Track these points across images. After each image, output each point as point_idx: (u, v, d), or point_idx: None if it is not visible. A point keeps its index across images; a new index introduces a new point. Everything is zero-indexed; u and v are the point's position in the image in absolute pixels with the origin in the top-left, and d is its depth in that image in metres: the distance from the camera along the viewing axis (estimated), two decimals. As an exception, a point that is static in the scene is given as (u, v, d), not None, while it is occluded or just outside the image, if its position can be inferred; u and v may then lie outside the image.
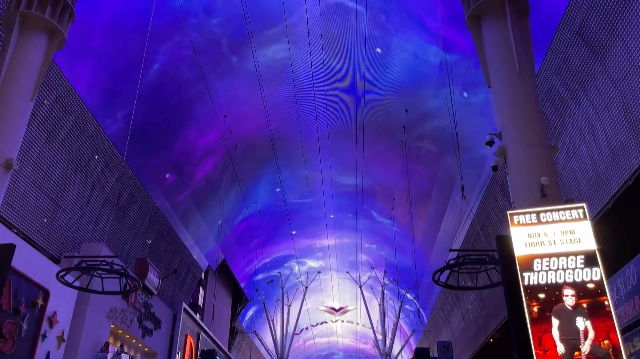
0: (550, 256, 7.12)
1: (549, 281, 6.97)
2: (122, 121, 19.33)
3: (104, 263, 11.40)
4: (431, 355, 20.53)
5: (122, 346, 19.17)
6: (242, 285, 38.29)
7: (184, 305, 25.71)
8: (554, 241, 7.21)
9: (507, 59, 8.99)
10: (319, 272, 41.66)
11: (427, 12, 17.48)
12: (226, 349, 36.20)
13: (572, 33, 13.15)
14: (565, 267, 6.98)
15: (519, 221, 7.51)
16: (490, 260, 9.94)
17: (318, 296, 44.45)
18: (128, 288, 12.72)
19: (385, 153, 25.64)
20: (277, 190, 28.71)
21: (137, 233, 22.40)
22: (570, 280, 6.90)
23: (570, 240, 7.15)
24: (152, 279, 21.41)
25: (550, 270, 6.99)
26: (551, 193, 7.73)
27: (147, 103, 20.04)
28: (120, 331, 19.87)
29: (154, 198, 22.91)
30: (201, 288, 31.99)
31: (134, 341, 21.13)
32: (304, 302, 40.68)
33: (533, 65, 9.40)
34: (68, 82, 15.85)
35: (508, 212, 7.63)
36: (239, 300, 40.29)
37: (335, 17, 19.78)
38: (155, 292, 21.92)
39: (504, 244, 7.51)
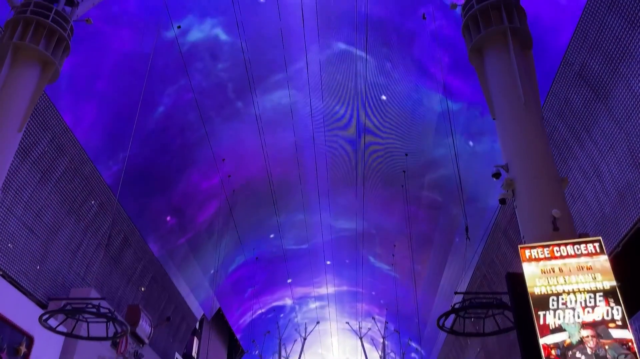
0: (567, 293, 6.63)
1: (566, 321, 6.45)
2: (122, 164, 19.14)
3: (90, 305, 10.81)
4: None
5: (108, 398, 18.19)
6: (237, 336, 37.08)
7: (177, 356, 24.68)
8: (570, 278, 6.74)
9: (511, 90, 8.80)
10: (317, 323, 40.44)
11: (432, 60, 17.54)
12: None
13: (573, 75, 13.07)
14: (584, 305, 6.48)
15: (530, 256, 7.06)
16: (499, 304, 9.41)
17: (317, 348, 43.01)
18: (116, 333, 12.02)
19: (385, 199, 25.32)
20: (271, 236, 28.18)
21: (130, 279, 21.74)
22: (590, 320, 6.39)
23: (590, 277, 6.67)
24: (144, 327, 20.59)
25: (567, 308, 6.49)
26: (564, 227, 7.33)
27: (147, 146, 19.89)
28: (108, 382, 18.92)
29: (149, 243, 22.38)
30: (195, 338, 30.88)
31: (122, 393, 20.11)
32: (302, 354, 39.29)
33: (538, 96, 9.21)
34: (64, 122, 15.68)
35: (519, 246, 7.19)
36: (235, 351, 38.95)
37: (340, 64, 19.90)
38: (146, 341, 21.03)
39: (515, 282, 7.05)
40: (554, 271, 6.87)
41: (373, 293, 34.76)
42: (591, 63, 12.45)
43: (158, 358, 23.46)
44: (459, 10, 11.67)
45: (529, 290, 6.81)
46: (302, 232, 28.45)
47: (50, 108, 15.03)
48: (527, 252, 7.13)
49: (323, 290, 34.54)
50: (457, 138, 17.41)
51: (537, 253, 7.07)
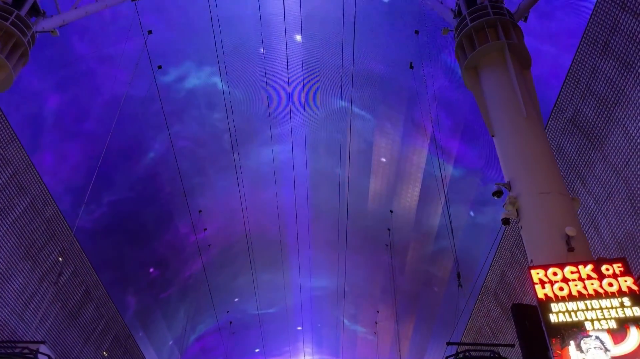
0: (591, 321, 5.55)
1: (593, 356, 5.32)
2: (90, 211, 17.98)
3: (26, 350, 9.32)
4: None
5: None
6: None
7: None
8: (592, 303, 5.69)
9: (511, 105, 8.13)
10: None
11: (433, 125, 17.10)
12: None
13: (565, 122, 12.58)
14: (612, 334, 5.37)
15: (542, 279, 6.03)
16: (495, 356, 8.23)
17: None
18: None
19: (368, 261, 24.17)
20: (236, 299, 26.53)
21: (89, 337, 19.87)
22: (621, 353, 5.28)
23: (617, 302, 5.61)
24: (99, 392, 18.58)
25: (592, 339, 5.39)
26: (579, 247, 6.36)
27: (123, 193, 18.86)
28: None
29: (113, 299, 20.72)
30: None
31: None
32: None
33: (540, 112, 8.53)
34: (28, 158, 14.68)
35: (529, 266, 6.17)
36: None
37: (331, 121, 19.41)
38: (101, 408, 18.92)
39: (523, 314, 5.97)
40: (572, 296, 5.83)
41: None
42: (584, 109, 11.97)
43: None
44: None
45: (544, 318, 5.72)
46: (279, 295, 26.91)
47: (13, 142, 14.08)
48: (539, 274, 6.11)
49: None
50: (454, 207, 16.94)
51: (551, 274, 6.05)
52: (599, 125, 11.64)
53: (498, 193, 7.63)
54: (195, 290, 24.08)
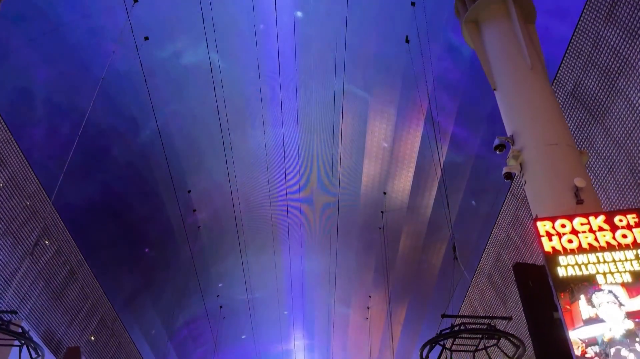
0: (603, 274, 5.14)
1: (606, 310, 4.91)
2: (76, 189, 17.45)
3: (-4, 320, 8.81)
4: None
5: None
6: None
7: (122, 411, 21.92)
8: (604, 255, 5.27)
9: (515, 56, 7.71)
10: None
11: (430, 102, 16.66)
12: None
13: (566, 96, 12.15)
14: (627, 289, 4.96)
15: (549, 231, 5.61)
16: (493, 330, 7.83)
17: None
18: None
19: (361, 244, 23.78)
20: (222, 284, 26.03)
21: (74, 318, 19.38)
22: (637, 308, 4.87)
23: (632, 254, 5.18)
24: (84, 374, 18.14)
25: (604, 293, 4.98)
26: (589, 199, 5.94)
27: (110, 172, 18.32)
28: None
29: (99, 280, 20.21)
30: (148, 395, 27.80)
31: None
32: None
33: (544, 64, 8.08)
34: (7, 130, 14.10)
35: (534, 219, 5.76)
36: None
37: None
38: (85, 390, 18.49)
39: (527, 273, 5.54)
40: (582, 248, 5.42)
41: (346, 351, 32.36)
42: (586, 82, 11.55)
43: (99, 412, 20.70)
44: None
45: (552, 272, 5.30)
46: (270, 279, 26.49)
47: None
48: (545, 226, 5.68)
49: (290, 345, 32.01)
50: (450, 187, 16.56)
51: (559, 227, 5.63)
52: (601, 97, 11.23)
53: (500, 147, 7.18)
54: (184, 273, 23.63)
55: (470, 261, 16.63)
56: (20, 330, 9.06)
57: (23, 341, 9.01)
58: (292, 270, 26.28)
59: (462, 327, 8.05)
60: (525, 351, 8.21)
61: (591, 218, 5.73)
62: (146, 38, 15.76)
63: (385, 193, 20.80)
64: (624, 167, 10.88)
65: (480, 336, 8.29)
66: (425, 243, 20.92)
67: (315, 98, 19.17)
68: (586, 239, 5.57)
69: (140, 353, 24.73)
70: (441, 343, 8.54)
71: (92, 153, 17.77)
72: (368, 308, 27.50)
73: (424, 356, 8.54)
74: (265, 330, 29.89)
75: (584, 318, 4.98)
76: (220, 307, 27.63)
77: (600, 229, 5.59)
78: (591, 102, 11.53)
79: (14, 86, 14.96)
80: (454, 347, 8.66)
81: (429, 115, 15.79)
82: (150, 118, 17.95)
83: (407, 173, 19.38)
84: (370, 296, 26.93)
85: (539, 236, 5.65)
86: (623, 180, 10.93)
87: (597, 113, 11.47)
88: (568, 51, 11.76)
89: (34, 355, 9.49)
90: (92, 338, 21.10)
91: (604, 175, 11.54)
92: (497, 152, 7.22)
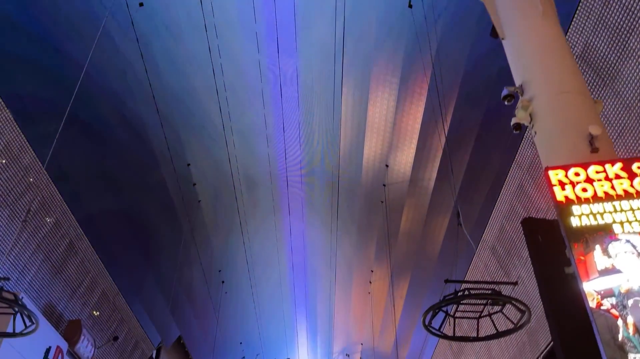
0: (620, 223, 4.84)
1: (623, 259, 4.63)
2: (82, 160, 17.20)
3: (-12, 288, 8.60)
4: None
5: None
6: (200, 370, 34.11)
7: (125, 385, 22.00)
8: (622, 204, 4.96)
9: (525, 2, 7.26)
10: (288, 358, 37.74)
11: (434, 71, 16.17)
12: None
13: (575, 58, 11.70)
14: None
15: (562, 180, 5.30)
16: (497, 295, 7.60)
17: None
18: (25, 328, 9.61)
19: (362, 218, 23.53)
20: (220, 264, 25.84)
21: (75, 292, 19.29)
22: None
23: None
24: (86, 346, 18.11)
25: (622, 242, 4.68)
26: (604, 148, 5.62)
27: (107, 144, 18.02)
28: (35, 409, 16.24)
29: (99, 254, 20.06)
30: (152, 369, 27.96)
31: None
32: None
33: (555, 10, 7.68)
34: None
35: (545, 168, 5.44)
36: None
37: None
38: (87, 363, 18.49)
39: (536, 227, 5.26)
40: (597, 197, 5.11)
41: (348, 326, 32.43)
42: (596, 42, 11.10)
43: (102, 386, 20.76)
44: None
45: (564, 222, 5.00)
46: (271, 254, 26.36)
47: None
48: (558, 175, 5.36)
49: (292, 320, 32.07)
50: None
51: (572, 175, 5.32)
52: (611, 58, 10.80)
53: (509, 97, 6.82)
54: (185, 248, 23.46)
55: (474, 233, 16.34)
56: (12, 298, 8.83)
57: (16, 309, 8.81)
58: (294, 245, 26.14)
59: (466, 293, 7.81)
60: (530, 317, 8.00)
61: (607, 166, 5.38)
62: (141, 4, 15.31)
63: (387, 165, 20.47)
64: (634, 131, 10.52)
65: (484, 303, 8.06)
66: (428, 215, 20.66)
67: (316, 69, 18.73)
68: (602, 187, 5.25)
69: (143, 327, 24.76)
70: (444, 309, 8.31)
71: (85, 121, 17.43)
72: (370, 282, 27.42)
73: (426, 323, 8.32)
74: (267, 305, 29.90)
75: (599, 269, 4.70)
76: (222, 282, 27.59)
77: (617, 177, 5.26)
78: (601, 64, 11.10)
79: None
80: (457, 314, 8.44)
81: (432, 83, 15.37)
82: (145, 88, 17.58)
83: (410, 145, 19.02)
84: (372, 271, 26.81)
85: (551, 185, 5.33)
86: (633, 145, 10.59)
87: (607, 76, 11.05)
88: (577, 11, 11.30)
89: (27, 323, 9.31)
90: (96, 313, 21.07)
91: (613, 138, 11.17)
92: (506, 103, 6.85)
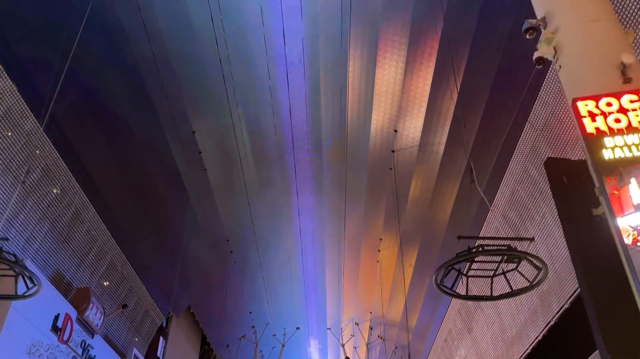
0: None
1: None
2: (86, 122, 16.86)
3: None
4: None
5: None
6: (209, 339, 34.42)
7: (136, 352, 22.10)
8: None
9: None
10: (297, 328, 37.88)
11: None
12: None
13: None
14: None
15: (592, 111, 4.90)
16: (513, 250, 7.26)
17: (298, 355, 40.34)
18: (26, 290, 9.44)
19: (371, 186, 23.17)
20: (228, 233, 25.48)
21: (82, 261, 19.25)
22: None
23: None
24: (95, 314, 18.12)
25: None
26: (637, 79, 5.16)
27: (108, 106, 17.59)
28: (46, 376, 16.34)
29: (106, 223, 19.93)
30: (161, 338, 28.18)
31: (65, 389, 17.49)
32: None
33: None
34: (-2, 62, 13.42)
35: (573, 99, 5.04)
36: (207, 356, 36.24)
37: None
38: (96, 331, 18.52)
39: (562, 167, 4.88)
40: (632, 128, 4.71)
41: (357, 294, 32.41)
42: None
43: (113, 353, 20.85)
44: None
45: (595, 155, 4.61)
46: (279, 221, 26.12)
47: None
48: (587, 105, 4.94)
49: (301, 289, 32.08)
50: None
51: (604, 105, 4.91)
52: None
53: (530, 30, 6.33)
54: (192, 217, 23.28)
55: (487, 193, 15.76)
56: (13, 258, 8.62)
57: (17, 271, 8.62)
58: (301, 213, 25.89)
59: (480, 249, 7.47)
60: (547, 275, 7.67)
61: (645, 95, 4.93)
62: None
63: (396, 131, 20.00)
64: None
65: (499, 260, 7.73)
66: (438, 181, 20.25)
67: (323, 31, 18.15)
68: (637, 117, 4.84)
69: (152, 296, 24.84)
70: (457, 268, 7.99)
71: (90, 95, 17.10)
72: (379, 250, 27.23)
73: (438, 282, 8.02)
74: (276, 274, 29.86)
75: (634, 203, 4.34)
76: (231, 252, 27.49)
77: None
78: None
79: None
80: (470, 272, 8.12)
81: (444, 41, 14.81)
82: (147, 54, 17.11)
83: (420, 109, 18.51)
84: (381, 239, 26.59)
85: (580, 117, 4.91)
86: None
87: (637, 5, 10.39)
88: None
89: (29, 285, 9.13)
90: (106, 283, 21.07)
91: None
92: (527, 37, 6.35)
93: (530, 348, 16.67)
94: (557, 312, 14.43)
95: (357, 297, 32.59)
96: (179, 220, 22.90)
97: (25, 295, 9.11)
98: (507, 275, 8.01)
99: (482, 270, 8.17)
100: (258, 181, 23.33)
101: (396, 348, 34.19)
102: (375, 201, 24.01)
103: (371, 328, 35.10)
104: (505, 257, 7.48)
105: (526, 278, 7.78)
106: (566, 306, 13.98)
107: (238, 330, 34.48)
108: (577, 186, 4.75)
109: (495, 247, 7.55)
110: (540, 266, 7.30)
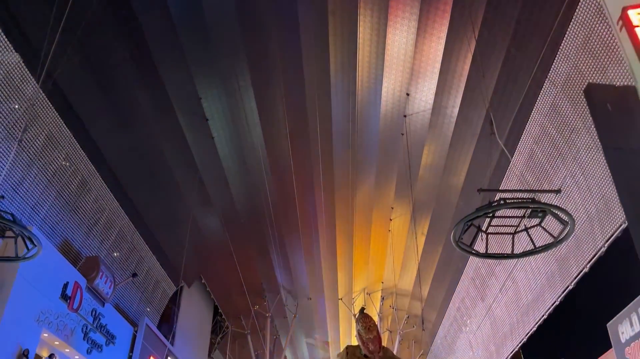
0: None
1: None
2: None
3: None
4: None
5: (51, 357, 15.50)
6: (221, 310, 34.52)
7: (147, 321, 22.07)
8: None
9: None
10: (309, 298, 37.88)
11: None
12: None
13: None
14: None
15: None
16: (538, 203, 6.75)
17: (309, 325, 40.45)
18: (27, 252, 9.12)
19: (382, 153, 22.62)
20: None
21: (91, 230, 19.06)
22: None
23: None
24: (104, 283, 18.00)
25: None
26: None
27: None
28: (57, 343, 16.28)
29: (114, 192, 19.67)
30: (174, 307, 28.20)
31: (77, 357, 17.45)
32: (292, 331, 36.88)
33: None
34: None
35: (622, 7, 4.51)
36: (220, 327, 36.45)
37: None
38: (106, 299, 18.42)
39: (606, 95, 4.37)
40: None
41: (368, 264, 32.16)
42: None
43: (124, 321, 20.82)
44: None
45: None
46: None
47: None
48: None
49: (313, 261, 31.83)
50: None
51: None
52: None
53: None
54: (201, 185, 22.89)
55: (508, 146, 14.79)
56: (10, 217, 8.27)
57: (16, 231, 8.29)
58: (312, 182, 25.41)
59: (503, 202, 6.95)
60: (573, 230, 7.19)
61: None
62: None
63: (408, 94, 19.37)
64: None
65: (521, 215, 7.23)
66: (452, 146, 19.67)
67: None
68: None
69: (163, 266, 24.75)
70: (476, 224, 7.52)
71: (94, 62, 16.60)
72: (390, 219, 26.84)
73: (457, 239, 7.56)
74: (287, 244, 29.57)
75: None
76: (242, 222, 27.20)
77: None
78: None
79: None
80: (490, 229, 7.64)
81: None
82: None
83: (433, 70, 17.84)
84: (392, 208, 26.16)
85: (632, 27, 4.36)
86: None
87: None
88: None
89: (29, 246, 8.82)
90: (116, 254, 20.93)
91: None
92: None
93: (547, 313, 16.30)
94: (576, 276, 13.98)
95: (369, 267, 32.35)
96: (188, 190, 22.58)
97: (26, 256, 8.81)
98: (529, 231, 7.52)
99: (503, 226, 7.71)
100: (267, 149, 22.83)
101: (408, 317, 34.13)
102: (386, 169, 23.50)
103: (382, 298, 34.99)
104: (528, 211, 6.99)
105: (550, 234, 7.29)
106: (585, 270, 13.51)
107: (250, 301, 34.54)
108: (623, 114, 4.26)
109: (519, 199, 7.05)
110: (567, 219, 6.82)
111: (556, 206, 6.72)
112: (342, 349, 5.92)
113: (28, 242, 8.74)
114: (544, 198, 8.21)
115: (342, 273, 33.91)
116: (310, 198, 26.32)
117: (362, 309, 5.96)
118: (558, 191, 7.25)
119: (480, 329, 25.04)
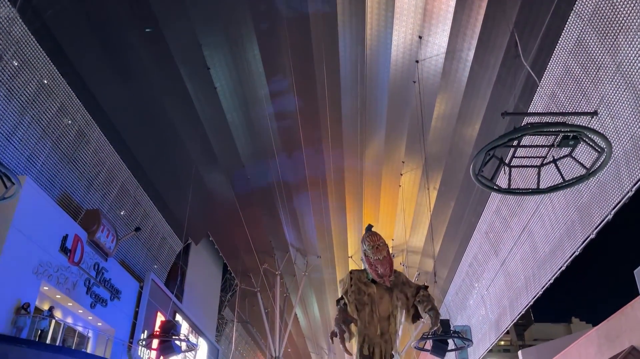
0: None
1: None
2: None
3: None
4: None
5: (50, 309, 15.16)
6: (230, 268, 34.30)
7: (153, 276, 21.75)
8: None
9: None
10: (319, 257, 37.56)
11: None
12: (213, 340, 32.22)
13: None
14: None
15: None
16: (572, 125, 5.86)
17: (319, 283, 40.32)
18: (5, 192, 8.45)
19: (393, 101, 21.60)
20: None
21: (91, 183, 18.49)
22: None
23: None
24: (105, 237, 17.52)
25: None
26: None
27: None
28: (58, 296, 15.93)
29: (114, 145, 18.99)
30: (182, 265, 27.97)
31: (80, 311, 17.15)
32: (302, 290, 36.73)
33: None
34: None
35: None
36: (229, 285, 36.38)
37: None
38: (109, 253, 18.00)
39: None
40: None
41: (378, 221, 31.53)
42: None
43: (129, 277, 20.48)
44: None
45: None
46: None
47: None
48: None
49: (322, 218, 31.27)
50: None
51: None
52: None
53: None
54: (204, 139, 22.12)
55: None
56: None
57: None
58: (320, 136, 24.55)
59: (530, 126, 6.07)
60: (609, 159, 6.33)
61: None
62: None
63: (420, 37, 18.20)
64: None
65: (549, 144, 6.36)
66: (467, 93, 18.61)
67: None
68: None
69: (168, 222, 24.30)
70: (498, 156, 6.67)
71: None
72: (401, 174, 26.01)
73: (476, 171, 6.72)
74: (295, 200, 28.97)
75: None
76: (248, 178, 26.55)
77: None
78: None
79: None
80: (514, 162, 6.79)
81: None
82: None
83: (447, 9, 16.65)
84: (403, 162, 25.28)
85: None
86: None
87: None
88: None
89: (8, 185, 8.15)
90: (121, 213, 20.43)
91: None
92: None
93: (564, 265, 15.58)
94: (598, 225, 13.15)
95: (379, 224, 31.72)
96: (191, 143, 21.84)
97: (5, 196, 8.15)
98: (557, 163, 6.65)
99: (528, 157, 6.85)
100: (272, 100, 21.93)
101: (419, 274, 33.70)
102: (397, 120, 22.50)
103: (393, 255, 34.52)
104: (558, 138, 6.10)
105: (583, 165, 6.43)
106: (609, 217, 12.66)
107: (259, 259, 34.27)
108: None
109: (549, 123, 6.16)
110: (605, 145, 5.93)
111: (592, 129, 5.85)
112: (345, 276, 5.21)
113: (7, 181, 8.10)
114: (577, 122, 7.30)
115: (352, 231, 33.38)
116: (319, 152, 25.52)
117: (370, 226, 5.27)
118: (594, 113, 6.29)
119: (493, 284, 24.49)
